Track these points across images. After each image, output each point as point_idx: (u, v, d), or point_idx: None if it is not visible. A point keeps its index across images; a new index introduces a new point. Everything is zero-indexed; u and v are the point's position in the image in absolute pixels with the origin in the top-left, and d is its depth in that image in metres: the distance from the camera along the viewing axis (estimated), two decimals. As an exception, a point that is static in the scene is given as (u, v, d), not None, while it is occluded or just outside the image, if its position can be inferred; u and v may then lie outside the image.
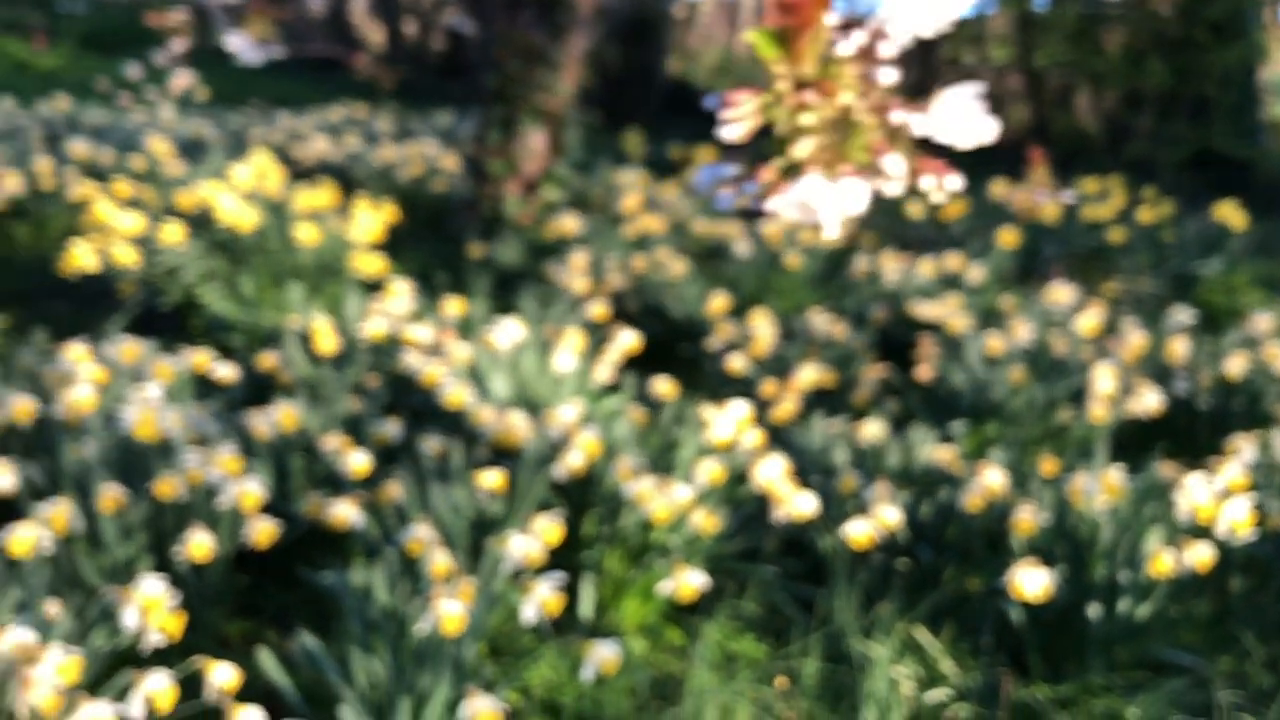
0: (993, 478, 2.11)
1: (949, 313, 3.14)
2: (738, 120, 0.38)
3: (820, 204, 0.39)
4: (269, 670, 1.53)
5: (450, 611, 1.49)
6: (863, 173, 0.39)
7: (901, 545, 2.12)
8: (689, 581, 1.79)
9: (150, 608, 1.42)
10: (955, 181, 0.41)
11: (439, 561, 1.68)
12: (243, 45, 3.80)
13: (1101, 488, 2.01)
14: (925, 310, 3.19)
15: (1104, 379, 2.62)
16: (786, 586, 2.09)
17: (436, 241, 4.34)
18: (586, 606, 1.97)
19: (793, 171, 0.39)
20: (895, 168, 0.40)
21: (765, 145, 0.39)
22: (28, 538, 1.57)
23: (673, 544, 2.01)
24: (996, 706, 1.84)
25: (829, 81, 0.38)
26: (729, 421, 2.17)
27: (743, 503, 2.16)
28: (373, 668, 1.51)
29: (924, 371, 2.79)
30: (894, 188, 0.40)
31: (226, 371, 2.38)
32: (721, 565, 2.07)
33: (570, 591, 1.90)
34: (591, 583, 1.98)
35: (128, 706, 1.31)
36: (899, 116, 0.39)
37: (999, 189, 4.66)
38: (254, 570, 2.00)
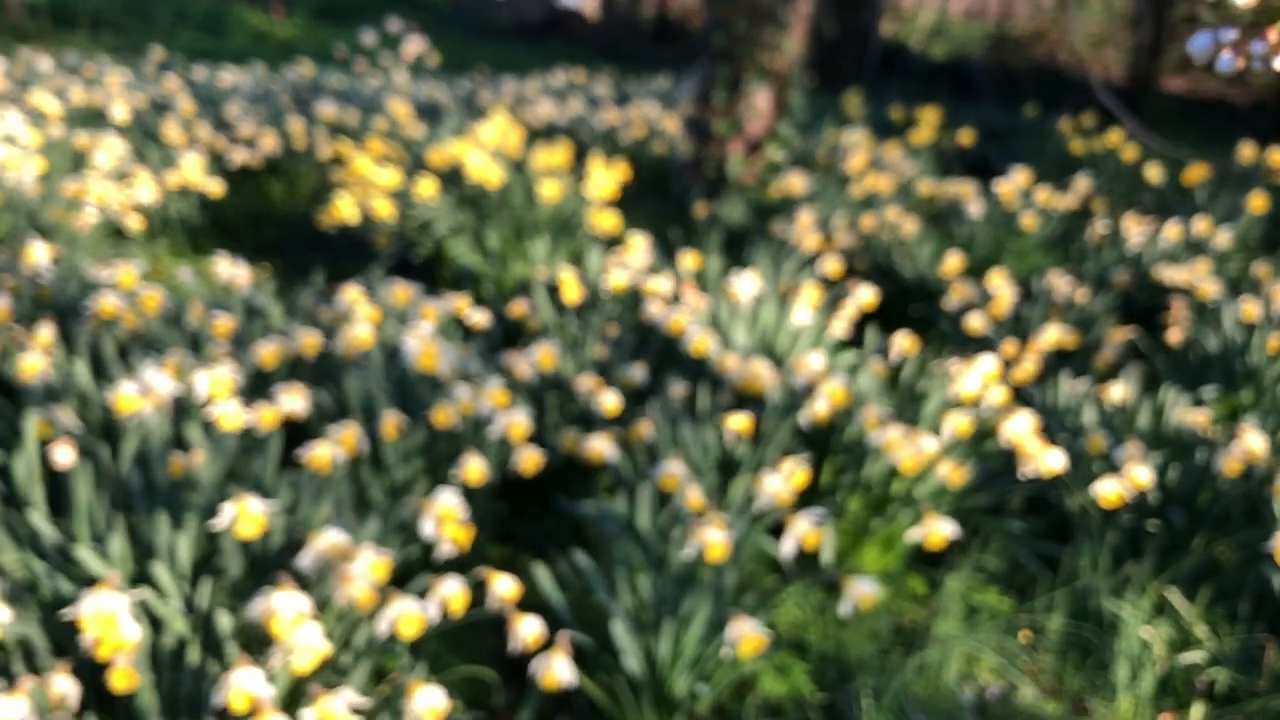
0: (1253, 442, 2.04)
1: (1197, 278, 3.02)
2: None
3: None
4: (544, 585, 1.64)
5: (715, 539, 1.55)
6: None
7: (1151, 507, 2.07)
8: (939, 530, 1.80)
9: (446, 518, 1.54)
10: None
11: (693, 496, 1.75)
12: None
13: (1377, 457, 1.92)
14: (1172, 275, 3.07)
15: (1375, 348, 2.47)
16: (1030, 543, 2.08)
17: (659, 200, 4.43)
18: (828, 552, 2.00)
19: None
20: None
21: (1263, 14, 0.41)
22: (325, 454, 1.72)
23: (916, 494, 2.02)
24: (1255, 674, 1.79)
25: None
26: (976, 376, 2.16)
27: (986, 457, 2.15)
28: (641, 587, 1.60)
29: (1174, 335, 2.69)
30: None
31: (479, 318, 2.52)
32: (965, 518, 2.08)
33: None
34: (832, 528, 2.02)
35: (426, 606, 1.43)
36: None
37: (1248, 152, 4.40)
38: (509, 500, 2.12)
